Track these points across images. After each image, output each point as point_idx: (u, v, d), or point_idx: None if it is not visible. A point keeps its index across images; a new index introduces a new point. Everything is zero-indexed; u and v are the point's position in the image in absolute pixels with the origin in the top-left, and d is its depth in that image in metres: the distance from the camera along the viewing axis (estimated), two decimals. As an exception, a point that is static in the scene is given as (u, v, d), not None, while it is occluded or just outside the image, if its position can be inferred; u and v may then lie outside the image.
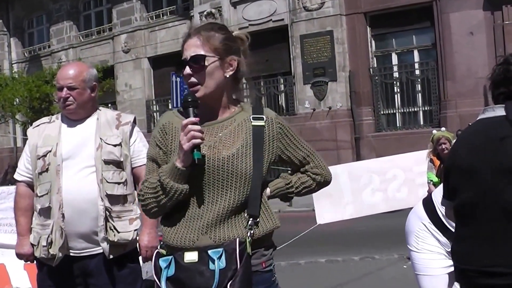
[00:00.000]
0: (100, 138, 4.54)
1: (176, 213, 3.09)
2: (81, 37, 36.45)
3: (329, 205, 10.12)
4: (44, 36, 39.41)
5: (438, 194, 4.32)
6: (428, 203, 4.51)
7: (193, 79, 3.11)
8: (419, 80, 25.13)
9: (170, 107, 26.12)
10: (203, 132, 3.00)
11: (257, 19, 27.76)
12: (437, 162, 10.47)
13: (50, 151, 4.53)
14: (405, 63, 25.73)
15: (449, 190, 3.39)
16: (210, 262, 2.92)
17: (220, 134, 3.12)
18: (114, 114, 4.73)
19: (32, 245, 4.68)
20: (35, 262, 4.81)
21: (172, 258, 3.00)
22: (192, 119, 3.00)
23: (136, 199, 4.58)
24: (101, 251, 4.51)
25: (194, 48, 3.13)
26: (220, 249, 2.93)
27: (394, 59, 25.97)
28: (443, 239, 4.37)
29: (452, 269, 3.69)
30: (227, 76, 3.19)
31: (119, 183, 4.57)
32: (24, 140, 37.95)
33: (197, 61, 3.11)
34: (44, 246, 4.53)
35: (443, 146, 10.32)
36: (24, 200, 4.77)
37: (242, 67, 3.30)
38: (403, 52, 25.89)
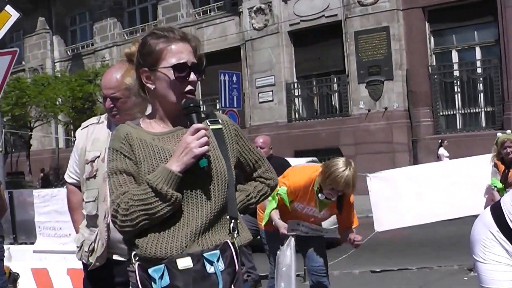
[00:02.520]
0: None
1: (156, 224, 3.01)
2: (125, 35, 36.97)
3: (388, 211, 10.07)
4: (87, 33, 40.17)
5: (508, 201, 4.23)
6: (496, 210, 4.39)
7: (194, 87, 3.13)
8: (481, 79, 24.84)
9: (218, 106, 26.36)
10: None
11: (309, 15, 27.82)
12: (502, 167, 10.28)
13: (98, 156, 4.58)
14: (466, 60, 25.52)
15: None
16: (207, 265, 2.92)
17: None
18: None
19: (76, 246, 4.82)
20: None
21: (164, 266, 2.92)
22: (203, 125, 3.01)
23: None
24: None
25: (191, 54, 3.10)
26: (217, 252, 2.94)
27: (454, 56, 25.72)
28: None
29: None
30: None
31: None
32: (67, 141, 38.64)
33: (198, 69, 3.11)
34: (85, 252, 4.66)
35: (508, 150, 10.13)
36: (76, 196, 4.90)
37: None
38: (464, 49, 25.64)
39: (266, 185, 3.43)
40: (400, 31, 25.74)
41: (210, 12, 32.94)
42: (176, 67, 3.05)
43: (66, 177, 4.98)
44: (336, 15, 27.07)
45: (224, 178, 3.06)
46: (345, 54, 26.91)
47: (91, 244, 4.61)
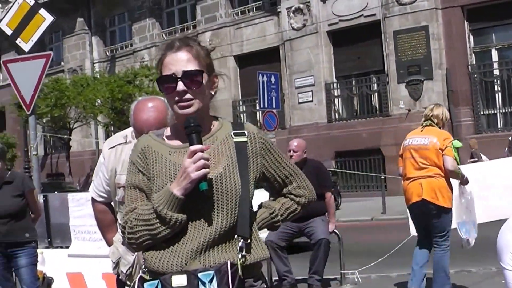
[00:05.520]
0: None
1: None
2: (164, 35, 37.47)
3: None
4: (126, 34, 40.75)
5: None
6: None
7: (188, 95, 3.07)
8: (521, 77, 25.03)
9: (257, 107, 26.75)
10: (209, 160, 3.00)
11: (348, 15, 28.26)
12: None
13: None
14: (506, 59, 25.72)
15: None
16: (200, 285, 2.92)
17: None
18: None
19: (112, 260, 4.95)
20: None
21: (158, 282, 2.99)
22: (201, 146, 2.99)
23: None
24: None
25: (186, 62, 3.10)
26: (211, 272, 2.92)
27: (494, 55, 26.01)
28: None
29: None
30: (212, 93, 3.24)
31: None
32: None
33: (193, 77, 3.09)
34: (122, 272, 4.82)
35: None
36: (105, 216, 5.03)
37: (217, 85, 3.30)
38: (504, 47, 25.89)
39: (295, 202, 3.35)
40: (439, 30, 26.03)
41: (248, 12, 33.36)
42: (162, 80, 3.11)
43: (94, 195, 5.03)
44: (374, 14, 27.48)
45: (235, 197, 3.03)
46: (384, 53, 27.25)
47: (129, 268, 4.76)
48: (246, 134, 3.19)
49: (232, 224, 3.03)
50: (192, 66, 3.09)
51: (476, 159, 21.29)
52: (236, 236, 3.04)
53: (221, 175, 3.04)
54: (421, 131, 8.57)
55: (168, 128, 3.26)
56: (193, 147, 2.96)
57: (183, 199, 2.95)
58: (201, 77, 3.10)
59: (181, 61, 3.09)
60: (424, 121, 8.54)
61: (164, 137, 3.20)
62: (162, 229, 2.97)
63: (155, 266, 3.03)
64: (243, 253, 3.01)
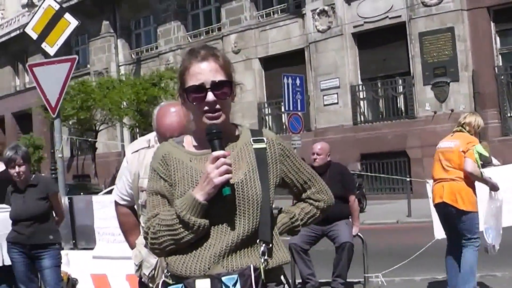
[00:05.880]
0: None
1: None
2: (189, 38, 37.68)
3: None
4: (151, 37, 40.99)
5: None
6: None
7: (217, 106, 3.10)
8: (548, 78, 24.85)
9: (282, 110, 26.82)
10: (231, 166, 3.04)
11: (373, 16, 28.25)
12: None
13: None
14: (533, 60, 25.50)
15: None
16: None
17: None
18: None
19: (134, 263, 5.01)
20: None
21: (181, 286, 3.04)
22: (224, 152, 3.03)
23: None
24: None
25: (215, 72, 3.12)
26: (235, 276, 2.96)
27: (521, 56, 25.77)
28: None
29: None
30: (233, 102, 3.25)
31: None
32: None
33: (222, 88, 3.13)
34: (145, 275, 4.87)
35: None
36: (129, 219, 5.10)
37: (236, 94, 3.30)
38: (531, 48, 25.69)
39: (314, 207, 3.39)
40: (465, 31, 25.91)
41: (273, 14, 33.42)
42: (191, 90, 3.12)
43: (117, 198, 5.10)
44: (400, 16, 27.42)
45: (256, 202, 3.07)
46: (410, 55, 27.18)
47: (152, 270, 4.80)
48: (265, 140, 3.22)
49: (254, 229, 3.07)
50: (221, 77, 3.11)
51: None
52: (258, 240, 3.07)
53: (242, 181, 3.07)
54: (451, 136, 8.82)
55: (187, 135, 3.29)
56: (215, 153, 3.01)
57: (206, 204, 2.99)
58: (230, 88, 3.15)
59: (210, 71, 3.11)
60: (456, 127, 8.73)
61: (184, 144, 3.24)
62: (185, 234, 3.01)
63: (178, 270, 3.06)
64: (265, 257, 3.05)
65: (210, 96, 3.07)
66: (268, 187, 3.13)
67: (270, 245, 3.10)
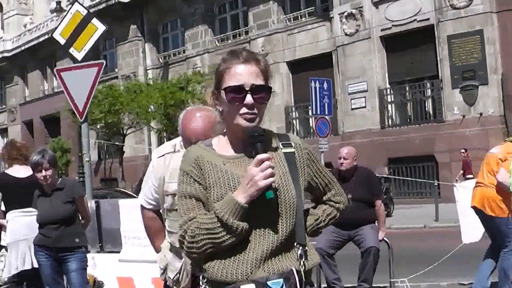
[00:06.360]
0: None
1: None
2: (216, 42, 37.88)
3: (476, 222, 9.50)
4: (178, 41, 41.19)
5: None
6: None
7: (255, 109, 3.12)
8: None
9: (310, 113, 26.81)
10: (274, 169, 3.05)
11: (401, 19, 28.19)
12: None
13: None
14: None
15: None
16: None
17: None
18: None
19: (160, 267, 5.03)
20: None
21: None
22: (268, 155, 3.05)
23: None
24: None
25: (255, 76, 3.13)
26: (280, 280, 2.97)
27: (552, 59, 25.50)
28: None
29: None
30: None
31: None
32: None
33: (261, 92, 3.14)
34: (170, 278, 4.88)
35: None
36: (154, 222, 5.10)
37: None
38: (561, 51, 25.41)
39: (335, 209, 3.43)
40: (495, 34, 25.79)
41: (301, 18, 33.48)
42: (230, 89, 3.11)
43: (143, 203, 5.11)
44: (428, 19, 27.35)
45: (293, 205, 3.10)
46: (438, 58, 27.10)
47: (176, 274, 4.82)
48: (293, 145, 3.24)
49: (291, 231, 3.09)
50: (261, 81, 3.14)
51: None
52: (295, 243, 3.11)
53: (278, 185, 3.09)
54: (502, 143, 8.94)
55: (216, 138, 3.28)
56: (260, 156, 3.01)
57: (247, 207, 2.99)
58: (269, 94, 3.17)
59: (250, 74, 3.12)
60: (509, 136, 8.81)
61: (214, 148, 3.23)
62: (226, 237, 3.00)
63: (219, 276, 3.05)
64: (303, 259, 3.09)
65: (249, 98, 3.09)
66: (300, 191, 3.17)
67: (306, 248, 3.13)
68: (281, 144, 3.23)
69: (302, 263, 3.08)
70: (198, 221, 3.05)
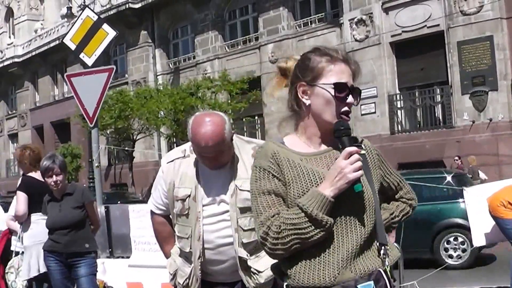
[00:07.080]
0: (235, 184, 4.61)
1: (306, 250, 3.04)
2: (226, 47, 37.90)
3: (486, 225, 9.74)
4: (189, 46, 41.17)
5: None
6: None
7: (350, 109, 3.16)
8: None
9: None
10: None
11: (411, 25, 28.12)
12: None
13: (189, 195, 4.66)
14: None
15: None
16: None
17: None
18: (251, 151, 4.69)
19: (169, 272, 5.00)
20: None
21: None
22: (356, 148, 3.03)
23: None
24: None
25: (352, 77, 3.17)
26: (371, 283, 2.97)
27: (562, 65, 25.45)
28: None
29: None
30: None
31: None
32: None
33: (358, 94, 3.15)
34: (179, 284, 4.85)
35: None
36: (164, 228, 5.05)
37: None
38: None
39: (408, 205, 3.44)
40: (505, 40, 25.70)
41: (311, 24, 33.48)
42: (337, 86, 3.09)
43: (153, 208, 5.07)
44: (438, 25, 27.27)
45: (372, 203, 3.09)
46: (448, 64, 27.02)
47: (186, 279, 4.79)
48: (363, 147, 3.22)
49: (372, 230, 3.08)
50: (353, 83, 3.16)
51: (471, 175, 21.16)
52: (377, 242, 3.11)
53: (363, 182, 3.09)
54: None
55: (289, 137, 3.26)
56: (349, 149, 3.00)
57: (333, 201, 2.96)
58: (359, 98, 3.17)
59: (350, 75, 3.15)
60: None
61: (286, 144, 3.20)
62: (314, 232, 2.95)
63: (305, 281, 3.01)
64: (387, 259, 3.10)
65: (351, 98, 3.12)
66: (375, 190, 3.17)
67: (388, 245, 3.14)
68: (355, 146, 3.16)
69: (387, 262, 3.09)
70: (283, 216, 3.00)
